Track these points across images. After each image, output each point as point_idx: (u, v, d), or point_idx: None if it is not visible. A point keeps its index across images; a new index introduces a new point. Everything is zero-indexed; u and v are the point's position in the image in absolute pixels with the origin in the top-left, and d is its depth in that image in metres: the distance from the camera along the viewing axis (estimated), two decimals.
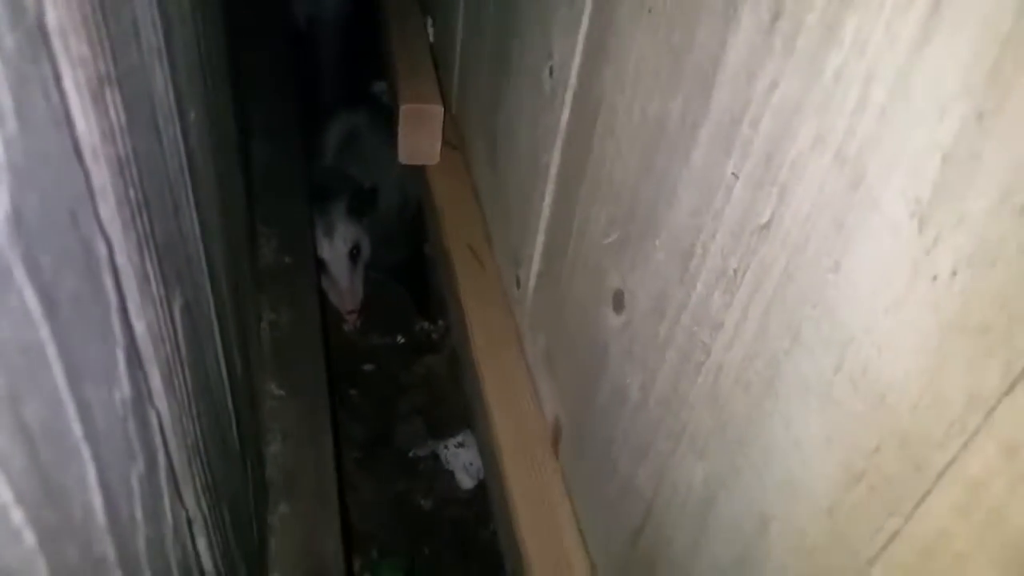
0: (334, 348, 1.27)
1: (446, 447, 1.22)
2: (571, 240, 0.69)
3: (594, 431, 0.66)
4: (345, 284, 1.18)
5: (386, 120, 1.33)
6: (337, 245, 1.18)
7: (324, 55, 1.47)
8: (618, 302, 0.59)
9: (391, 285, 1.44)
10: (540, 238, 0.78)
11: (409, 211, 1.36)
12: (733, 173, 0.43)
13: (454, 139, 1.14)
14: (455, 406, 1.26)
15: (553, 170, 0.72)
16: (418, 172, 1.19)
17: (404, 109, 1.04)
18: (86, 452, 0.26)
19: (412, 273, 1.42)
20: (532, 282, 0.82)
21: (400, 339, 1.38)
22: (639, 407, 0.57)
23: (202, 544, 0.38)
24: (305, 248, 0.98)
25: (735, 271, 0.44)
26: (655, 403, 0.55)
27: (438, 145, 1.07)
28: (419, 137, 1.07)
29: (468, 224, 1.02)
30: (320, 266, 1.17)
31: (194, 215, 0.41)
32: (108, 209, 0.27)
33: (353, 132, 1.30)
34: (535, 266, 0.81)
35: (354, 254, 1.19)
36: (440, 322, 1.39)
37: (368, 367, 1.34)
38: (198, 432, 0.38)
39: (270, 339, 0.84)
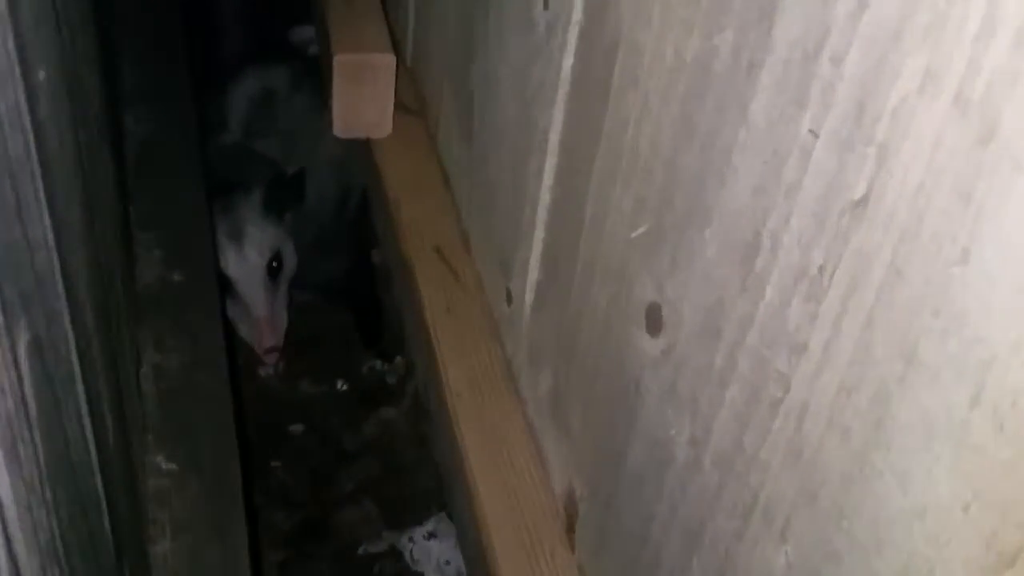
0: (248, 402, 1.26)
1: (411, 540, 1.21)
2: (583, 235, 0.69)
3: (625, 507, 0.66)
4: (261, 311, 1.17)
5: (313, 78, 1.33)
6: (249, 255, 1.17)
7: None
8: (654, 320, 0.59)
9: (328, 310, 1.44)
10: (539, 234, 0.78)
11: (350, 204, 1.36)
12: (811, 131, 0.43)
13: (411, 101, 1.15)
14: (422, 480, 1.25)
15: (554, 138, 0.73)
16: (362, 149, 1.19)
17: (339, 61, 1.04)
18: None
19: (357, 292, 1.42)
20: (529, 297, 0.83)
21: (342, 386, 1.38)
22: (689, 469, 0.57)
23: None
24: (202, 260, 0.98)
25: (820, 269, 0.44)
26: (712, 463, 0.54)
27: (389, 110, 1.07)
28: (362, 100, 1.07)
29: (435, 219, 1.03)
30: (225, 286, 1.15)
31: (46, 215, 0.40)
32: None
33: (266, 96, 1.30)
34: (533, 274, 0.81)
35: (273, 268, 1.18)
36: (398, 359, 1.39)
37: (297, 427, 1.33)
38: (55, 526, 0.37)
39: (155, 390, 0.83)
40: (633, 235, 0.60)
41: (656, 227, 0.58)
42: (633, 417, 0.64)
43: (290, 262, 1.21)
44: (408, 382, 1.35)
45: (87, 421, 0.48)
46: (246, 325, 1.19)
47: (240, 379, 1.28)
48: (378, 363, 1.39)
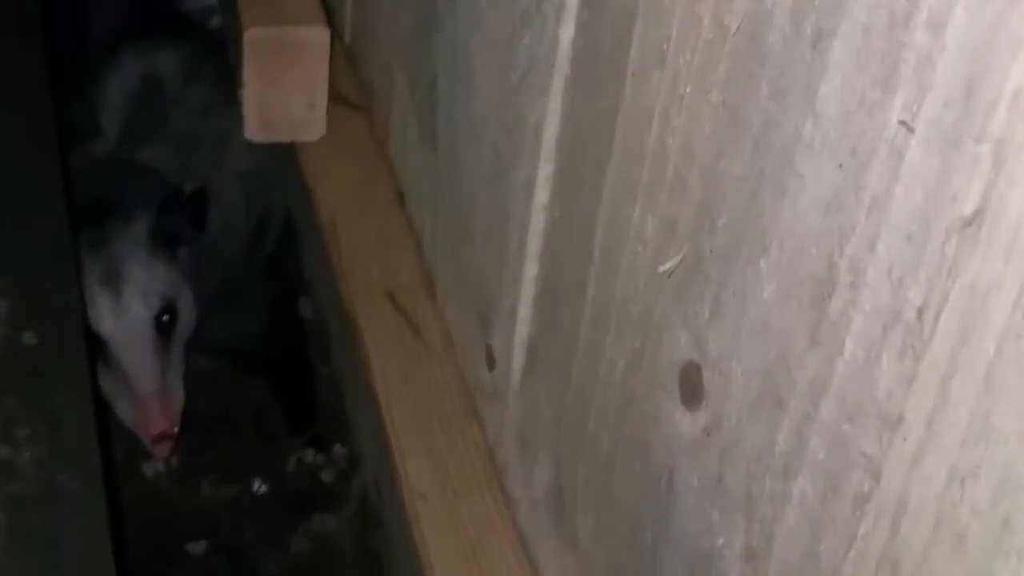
0: (130, 511, 1.25)
1: None
2: (591, 271, 0.69)
3: None
4: (148, 383, 1.16)
5: (216, 61, 1.34)
6: (130, 306, 1.16)
7: None
8: (692, 387, 0.59)
9: (239, 381, 1.43)
10: (530, 270, 0.79)
11: (268, 234, 1.36)
12: (902, 122, 0.44)
13: (351, 91, 1.16)
14: None
15: (549, 137, 0.73)
16: (285, 158, 1.20)
17: (252, 36, 1.06)
18: None
19: (279, 356, 1.42)
20: (518, 358, 0.83)
21: (259, 487, 1.37)
22: None
23: None
24: (63, 315, 0.97)
25: (919, 312, 0.44)
26: None
27: (322, 103, 1.09)
28: (284, 90, 1.08)
29: (387, 252, 1.04)
30: (98, 350, 1.15)
31: None
32: None
33: (151, 88, 1.31)
34: (522, 327, 0.81)
35: (164, 323, 1.18)
36: (337, 448, 1.38)
37: (198, 545, 1.32)
38: None
39: (1, 497, 0.82)
40: (661, 269, 0.60)
41: (692, 258, 0.58)
42: (665, 521, 0.63)
43: (187, 315, 1.21)
44: (352, 480, 1.35)
45: None
46: (126, 403, 1.18)
47: (118, 480, 1.26)
48: (310, 454, 1.38)
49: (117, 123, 1.29)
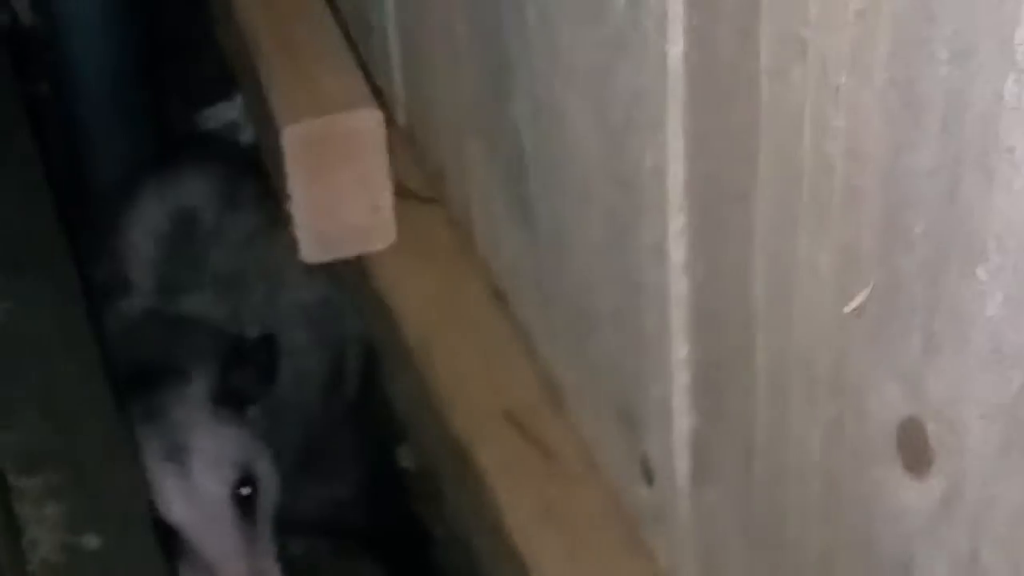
0: None
1: None
2: (756, 333, 0.68)
3: None
4: (237, 572, 1.16)
5: (254, 180, 1.35)
6: (202, 482, 1.18)
7: (79, 68, 1.52)
8: (914, 448, 0.57)
9: (338, 562, 1.43)
10: (678, 350, 0.78)
11: (347, 377, 1.37)
12: None
13: (416, 182, 1.16)
14: None
15: (674, 180, 0.73)
16: (352, 278, 1.20)
17: (291, 134, 1.06)
18: None
19: (381, 523, 1.42)
20: (683, 462, 0.82)
21: None
22: None
23: None
24: (128, 509, 0.98)
25: None
26: None
27: (387, 202, 1.10)
28: (339, 193, 1.08)
29: (495, 368, 1.03)
30: (170, 542, 1.16)
31: None
32: None
33: (182, 224, 1.33)
34: (681, 420, 0.81)
35: (244, 496, 1.19)
36: None
37: None
38: None
39: None
40: (847, 310, 0.59)
41: (885, 286, 0.57)
42: None
43: (268, 483, 1.21)
44: None
45: None
46: None
47: None
48: None
49: (149, 273, 1.31)
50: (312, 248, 1.10)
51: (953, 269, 0.52)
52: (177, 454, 1.18)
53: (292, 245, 1.16)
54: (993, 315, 0.51)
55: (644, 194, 0.76)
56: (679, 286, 0.76)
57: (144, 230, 1.33)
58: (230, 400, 1.20)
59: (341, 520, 1.38)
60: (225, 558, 1.17)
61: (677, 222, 0.74)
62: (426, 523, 1.42)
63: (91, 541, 0.95)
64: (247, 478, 1.19)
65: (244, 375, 1.21)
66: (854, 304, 0.58)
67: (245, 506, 1.19)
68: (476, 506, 1.01)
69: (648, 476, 0.87)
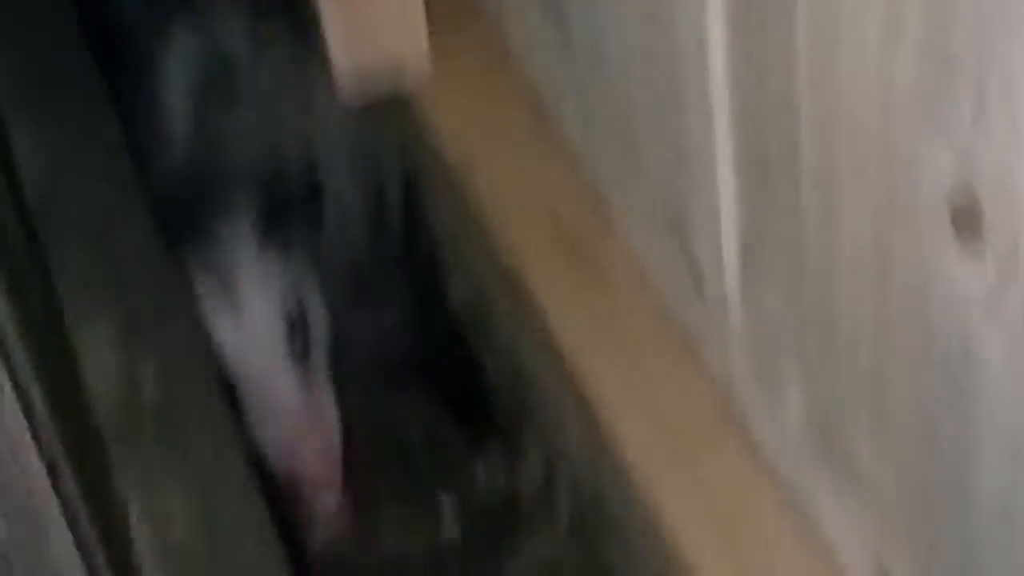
0: None
1: None
2: (801, 119, 0.67)
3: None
4: (292, 414, 1.17)
5: (289, 18, 1.34)
6: (251, 320, 1.18)
7: None
8: (968, 221, 0.57)
9: (388, 399, 1.44)
10: (723, 145, 0.77)
11: (391, 210, 1.36)
12: None
13: (451, 4, 1.14)
14: None
15: None
16: (389, 108, 1.19)
17: None
18: None
19: (434, 357, 1.42)
20: (732, 263, 0.82)
21: (449, 526, 1.37)
22: None
23: None
24: (190, 356, 0.99)
25: None
26: None
27: (422, 30, 1.09)
28: (373, 23, 1.07)
29: (539, 185, 1.03)
30: (232, 390, 1.17)
31: None
32: None
33: (219, 67, 1.32)
34: (728, 222, 0.80)
35: (297, 332, 1.20)
36: (530, 450, 1.38)
37: None
38: None
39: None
40: (895, 82, 0.58)
41: (929, 42, 0.55)
42: (968, 403, 0.61)
43: (319, 318, 1.22)
44: (556, 477, 1.34)
45: None
46: (276, 450, 1.19)
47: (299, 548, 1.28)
48: (496, 461, 1.38)
49: (185, 120, 1.30)
50: (351, 88, 1.10)
51: (1003, 31, 0.51)
52: (226, 291, 1.19)
53: (331, 86, 1.15)
54: None
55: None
56: (720, 83, 0.75)
57: (177, 75, 1.32)
58: (275, 239, 1.21)
59: (391, 352, 1.38)
60: (285, 408, 1.19)
61: (715, 8, 0.73)
62: (476, 352, 1.42)
63: (152, 390, 0.97)
64: (298, 312, 1.20)
65: (290, 217, 1.21)
66: (902, 76, 0.57)
67: (297, 343, 1.20)
68: (527, 328, 1.02)
69: (699, 284, 0.87)
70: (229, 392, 1.13)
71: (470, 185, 1.05)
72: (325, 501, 1.26)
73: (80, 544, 0.68)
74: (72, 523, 0.67)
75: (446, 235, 1.26)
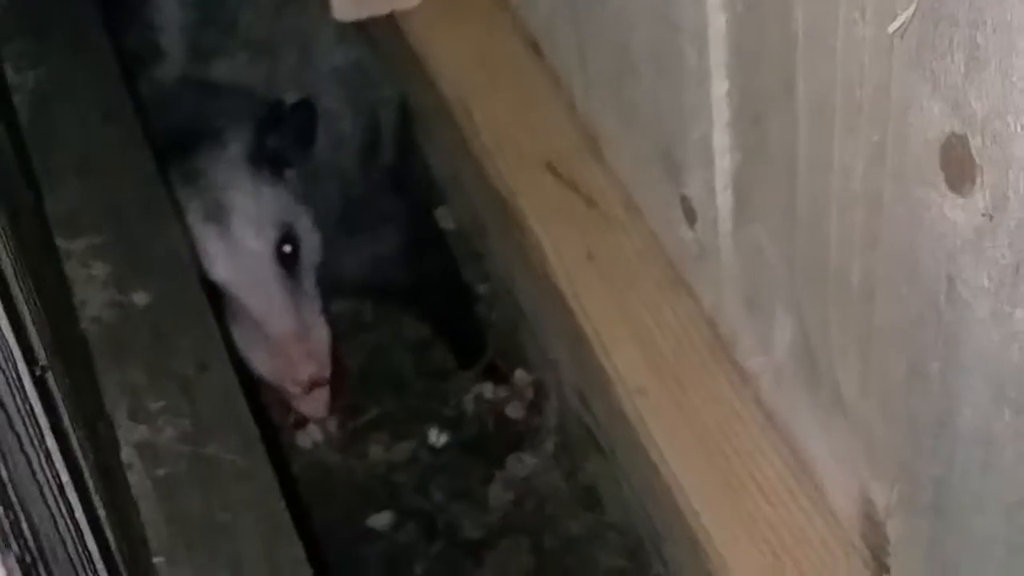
0: (294, 494, 1.27)
1: None
2: (797, 62, 0.68)
3: (971, 505, 0.66)
4: (282, 323, 1.17)
5: None
6: (242, 238, 1.18)
7: None
8: (958, 165, 0.58)
9: (384, 321, 1.44)
10: (718, 86, 0.78)
11: (384, 138, 1.36)
12: None
13: None
14: (604, 560, 1.25)
15: None
16: (386, 37, 1.19)
17: None
18: None
19: (426, 280, 1.42)
20: (725, 200, 0.83)
21: (438, 437, 1.37)
22: None
23: None
24: (175, 266, 0.99)
25: None
26: None
27: None
28: None
29: (534, 119, 1.03)
30: (218, 299, 1.17)
31: None
32: None
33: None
34: (723, 159, 0.81)
35: (287, 254, 1.19)
36: (519, 373, 1.39)
37: (380, 519, 1.33)
38: None
39: (150, 485, 0.84)
40: (891, 29, 0.58)
41: (929, 2, 0.56)
42: (953, 342, 0.62)
43: (309, 241, 1.21)
44: (544, 405, 1.35)
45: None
46: (264, 354, 1.19)
47: (282, 456, 1.29)
48: (488, 389, 1.38)
49: (181, 40, 1.29)
50: (345, 5, 1.10)
51: None
52: (218, 214, 1.18)
53: (323, 11, 1.15)
54: None
55: None
56: (717, 21, 0.76)
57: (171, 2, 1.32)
58: (268, 162, 1.20)
59: (384, 279, 1.38)
60: (272, 312, 1.18)
61: None
62: (469, 280, 1.43)
63: (140, 297, 0.96)
64: (288, 236, 1.19)
65: (282, 137, 1.20)
66: (897, 23, 0.58)
67: (288, 263, 1.19)
68: (520, 255, 1.03)
69: (690, 217, 0.88)
70: (216, 302, 1.13)
71: (465, 116, 1.05)
72: (313, 402, 1.27)
73: (65, 450, 0.68)
74: (55, 427, 0.66)
75: (440, 164, 1.27)
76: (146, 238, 1.02)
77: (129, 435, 0.89)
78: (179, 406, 0.91)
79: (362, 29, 1.20)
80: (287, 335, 1.18)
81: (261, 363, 1.20)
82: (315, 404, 1.25)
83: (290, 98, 1.21)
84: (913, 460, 0.70)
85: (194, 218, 1.17)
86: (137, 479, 0.87)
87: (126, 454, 0.88)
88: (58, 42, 1.18)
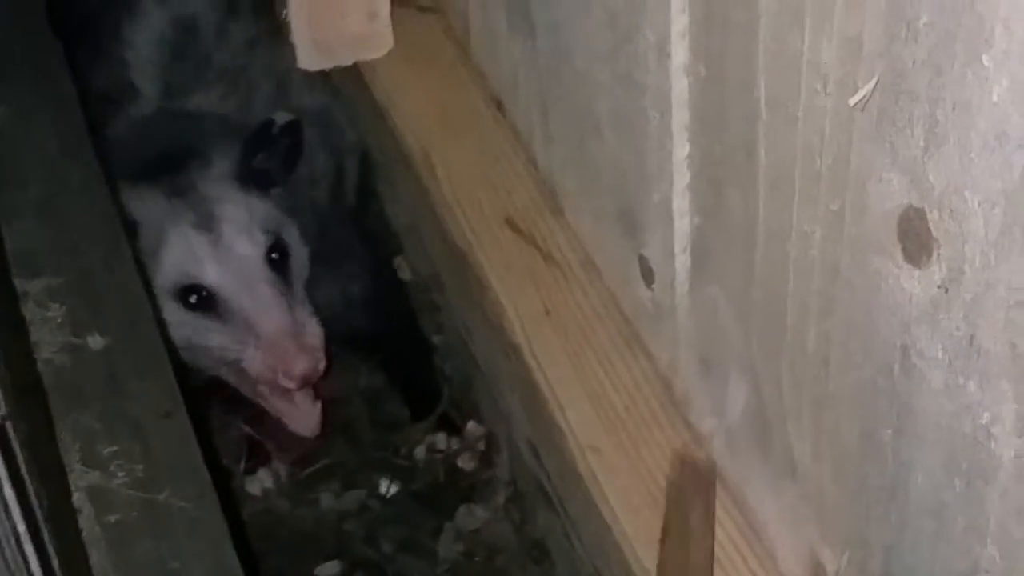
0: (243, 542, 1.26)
1: None
2: (758, 131, 0.69)
3: (921, 569, 0.66)
4: (276, 320, 1.17)
5: None
6: (234, 247, 1.19)
7: None
8: (915, 237, 0.58)
9: (345, 365, 1.44)
10: (679, 150, 0.78)
11: (346, 183, 1.37)
12: None
13: None
14: None
15: None
16: (351, 86, 1.19)
17: None
18: None
19: (384, 328, 1.42)
20: (683, 262, 0.83)
21: (389, 487, 1.37)
22: None
23: None
24: (132, 310, 0.98)
25: None
26: None
27: (385, 10, 1.09)
28: (337, 1, 1.07)
29: (495, 174, 1.04)
30: (202, 305, 1.19)
31: None
32: None
33: (184, 31, 1.31)
34: (683, 221, 0.81)
35: (276, 260, 1.20)
36: (471, 426, 1.38)
37: (329, 568, 1.33)
38: None
39: (100, 531, 0.83)
40: (852, 102, 0.59)
41: (890, 77, 0.57)
42: (906, 410, 0.63)
43: (298, 251, 1.23)
44: (496, 457, 1.35)
45: None
46: (256, 354, 1.19)
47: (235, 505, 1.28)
48: (440, 439, 1.39)
49: (155, 77, 1.30)
50: (309, 55, 1.10)
51: (958, 58, 0.52)
52: (208, 223, 1.19)
53: (291, 55, 1.15)
54: (998, 100, 0.51)
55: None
56: (680, 86, 0.76)
57: (147, 36, 1.32)
58: (255, 180, 1.21)
59: (348, 322, 1.38)
60: (264, 310, 1.18)
61: (680, 23, 0.74)
62: (424, 331, 1.42)
63: (95, 341, 0.96)
64: (278, 244, 1.21)
65: (269, 157, 1.21)
66: (858, 97, 0.58)
67: (279, 269, 1.21)
68: (477, 308, 1.03)
69: (647, 277, 0.88)
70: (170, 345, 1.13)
71: (426, 169, 1.05)
72: (307, 419, 1.27)
73: (20, 495, 0.67)
74: (14, 475, 0.65)
75: (399, 214, 1.27)
76: (104, 281, 1.01)
77: (80, 480, 0.88)
78: (132, 451, 0.91)
79: (327, 78, 1.20)
80: (280, 331, 1.19)
81: (253, 362, 1.20)
82: (307, 422, 1.25)
83: (279, 118, 1.21)
84: (864, 526, 0.70)
85: (183, 227, 1.19)
86: (88, 525, 0.86)
87: (77, 499, 0.87)
88: (20, 81, 1.17)
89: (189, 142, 1.24)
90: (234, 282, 1.19)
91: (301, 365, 1.17)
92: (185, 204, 1.19)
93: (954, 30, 0.52)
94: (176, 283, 1.18)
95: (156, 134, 1.25)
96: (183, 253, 1.18)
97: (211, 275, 1.18)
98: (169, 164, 1.21)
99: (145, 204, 1.19)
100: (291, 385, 1.19)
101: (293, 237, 1.23)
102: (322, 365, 1.19)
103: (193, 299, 1.19)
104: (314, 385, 1.25)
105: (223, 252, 1.19)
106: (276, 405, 1.25)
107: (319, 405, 1.27)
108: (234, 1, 1.33)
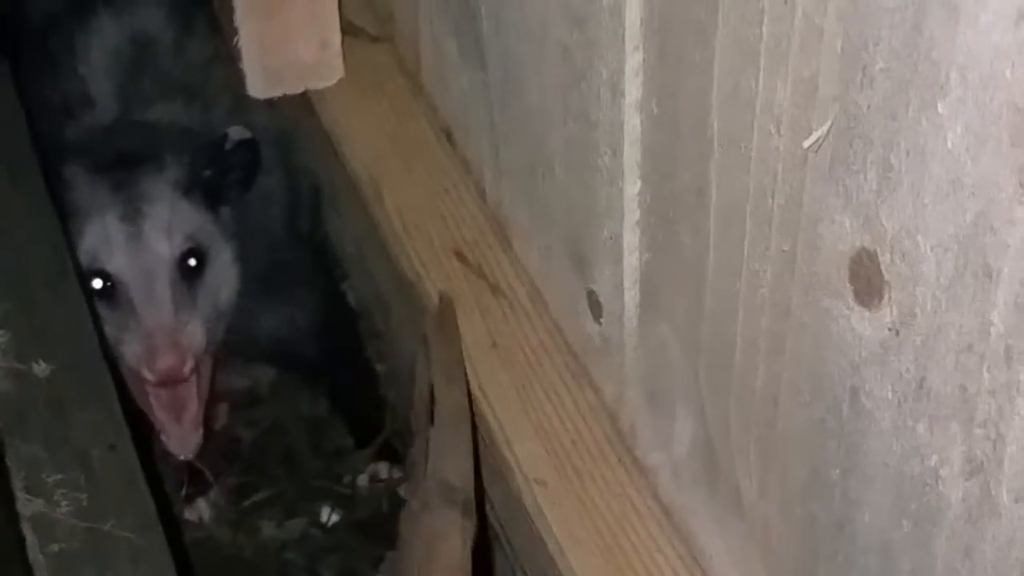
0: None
1: None
2: (711, 170, 0.69)
3: None
4: (157, 315, 1.18)
5: (210, 14, 1.34)
6: (149, 240, 1.20)
7: None
8: (866, 279, 0.59)
9: (285, 394, 1.43)
10: (630, 187, 0.78)
11: (302, 207, 1.37)
12: None
13: (366, 19, 1.15)
14: None
15: (632, 16, 0.72)
16: (300, 116, 1.19)
17: None
18: None
19: (332, 357, 1.42)
20: (632, 296, 0.83)
21: (330, 516, 1.37)
22: (975, 516, 0.56)
23: None
24: (76, 336, 0.98)
25: None
26: (1015, 497, 0.54)
27: (335, 39, 1.09)
28: (287, 30, 1.07)
29: (444, 206, 1.04)
30: (103, 294, 1.20)
31: None
32: None
33: (140, 48, 1.31)
34: (632, 257, 0.81)
35: (190, 267, 1.20)
36: (406, 454, 1.38)
37: None
38: None
39: (43, 559, 0.83)
40: (806, 145, 0.60)
41: (844, 121, 0.57)
42: (855, 451, 0.63)
43: (222, 272, 1.22)
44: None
45: None
46: (134, 343, 1.19)
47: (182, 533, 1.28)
48: (383, 468, 1.38)
49: (112, 89, 1.30)
50: (259, 82, 1.10)
51: (912, 104, 0.53)
52: (133, 217, 1.20)
53: (240, 79, 1.15)
54: (953, 148, 0.51)
55: (600, 32, 0.76)
56: (633, 124, 0.76)
57: (102, 52, 1.32)
58: (203, 192, 1.21)
59: (295, 347, 1.38)
60: (152, 302, 1.19)
61: (634, 60, 0.74)
62: (369, 359, 1.42)
63: (40, 368, 0.95)
64: (197, 252, 1.21)
65: (220, 172, 1.21)
66: (812, 139, 0.59)
67: (189, 276, 1.21)
68: (425, 344, 1.02)
69: (595, 311, 0.88)
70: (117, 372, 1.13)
71: (375, 198, 1.05)
72: (183, 440, 1.26)
73: None
74: None
75: (346, 242, 1.26)
76: (49, 307, 1.01)
77: (24, 509, 0.87)
78: (77, 480, 0.90)
79: (277, 106, 1.20)
80: (157, 325, 1.18)
81: (127, 353, 1.20)
82: (184, 443, 1.25)
83: (235, 134, 1.21)
84: (811, 565, 0.70)
85: (108, 217, 1.19)
86: (31, 554, 0.85)
87: (23, 527, 0.86)
88: None
89: (149, 148, 1.24)
90: (135, 275, 1.20)
91: (166, 360, 1.17)
92: (121, 198, 1.20)
93: (909, 76, 0.53)
94: (87, 267, 1.19)
95: (113, 141, 1.26)
96: (99, 239, 1.19)
97: (116, 263, 1.19)
98: (125, 163, 1.21)
99: (87, 190, 1.20)
100: (151, 378, 1.19)
101: (220, 254, 1.23)
102: (189, 367, 1.19)
103: (98, 284, 1.20)
104: (206, 415, 1.26)
105: (136, 246, 1.20)
106: (159, 416, 1.24)
107: (200, 432, 1.25)
108: (189, 21, 1.33)
